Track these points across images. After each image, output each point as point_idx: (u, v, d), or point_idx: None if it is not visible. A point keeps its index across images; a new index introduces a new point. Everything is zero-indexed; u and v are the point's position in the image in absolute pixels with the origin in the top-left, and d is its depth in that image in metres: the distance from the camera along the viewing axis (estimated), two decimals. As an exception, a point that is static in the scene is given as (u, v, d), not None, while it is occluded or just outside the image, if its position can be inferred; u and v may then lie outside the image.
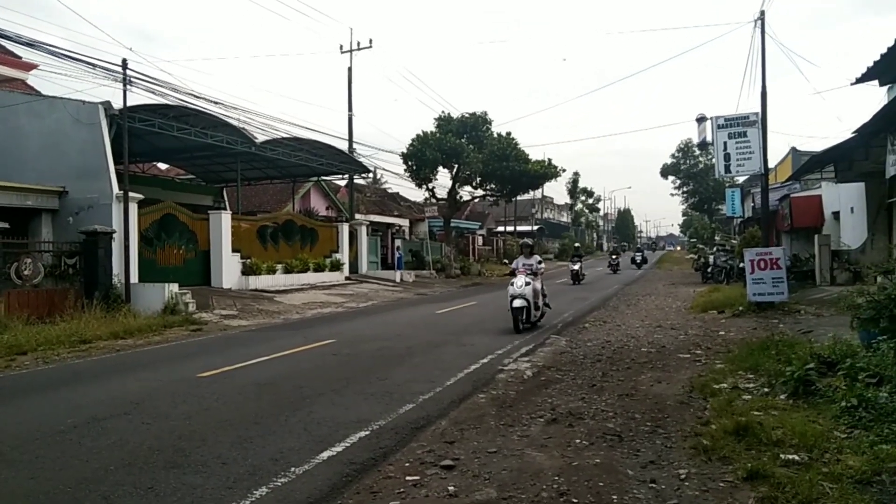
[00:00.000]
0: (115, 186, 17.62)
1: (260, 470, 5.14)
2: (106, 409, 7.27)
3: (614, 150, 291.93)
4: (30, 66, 26.81)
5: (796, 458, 4.90)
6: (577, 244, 46.96)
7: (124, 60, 17.40)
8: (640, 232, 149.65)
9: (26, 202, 17.51)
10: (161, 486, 4.81)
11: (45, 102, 19.19)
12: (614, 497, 4.50)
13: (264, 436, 6.12)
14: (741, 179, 33.77)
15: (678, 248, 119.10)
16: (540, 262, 14.46)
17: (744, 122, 16.23)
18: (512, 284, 13.49)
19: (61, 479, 5.00)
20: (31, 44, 16.58)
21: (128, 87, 17.49)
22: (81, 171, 17.95)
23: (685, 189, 65.24)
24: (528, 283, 13.35)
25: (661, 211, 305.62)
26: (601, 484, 4.75)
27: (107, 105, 17.98)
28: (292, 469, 5.16)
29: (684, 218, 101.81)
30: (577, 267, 30.29)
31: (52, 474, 5.15)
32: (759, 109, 16.47)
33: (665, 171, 64.92)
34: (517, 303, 13.17)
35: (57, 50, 16.88)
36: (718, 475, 4.81)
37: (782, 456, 4.94)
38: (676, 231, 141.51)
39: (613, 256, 41.04)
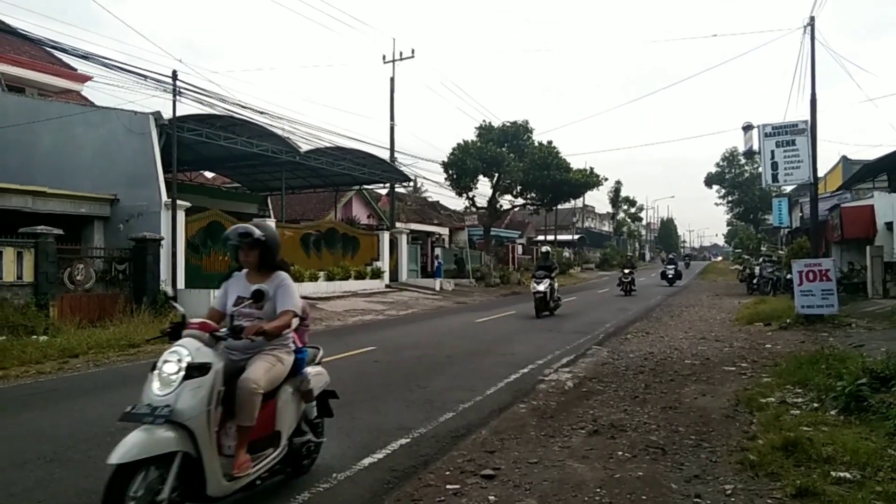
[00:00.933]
0: (164, 194, 18.07)
1: (303, 475, 5.20)
2: (154, 411, 7.43)
3: (658, 158, 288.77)
4: (85, 78, 27.75)
5: (848, 475, 4.76)
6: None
7: (174, 72, 17.91)
8: (683, 242, 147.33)
9: (80, 209, 18.07)
10: (207, 488, 4.89)
11: (99, 113, 19.82)
12: (658, 511, 4.44)
13: (307, 441, 6.19)
14: (789, 189, 33.03)
15: (719, 259, 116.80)
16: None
17: (792, 130, 15.89)
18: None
19: (112, 479, 5.12)
20: (85, 56, 17.20)
21: (177, 97, 17.99)
22: (132, 180, 18.47)
23: (730, 199, 64.01)
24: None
25: (704, 221, 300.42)
26: (644, 497, 4.69)
27: (157, 115, 18.49)
28: (334, 475, 5.22)
29: (729, 228, 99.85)
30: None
31: (103, 474, 5.25)
32: (808, 117, 16.11)
33: (709, 181, 63.82)
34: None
35: (110, 62, 17.50)
36: (766, 491, 4.71)
37: (833, 473, 4.81)
38: (721, 241, 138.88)
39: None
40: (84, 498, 4.76)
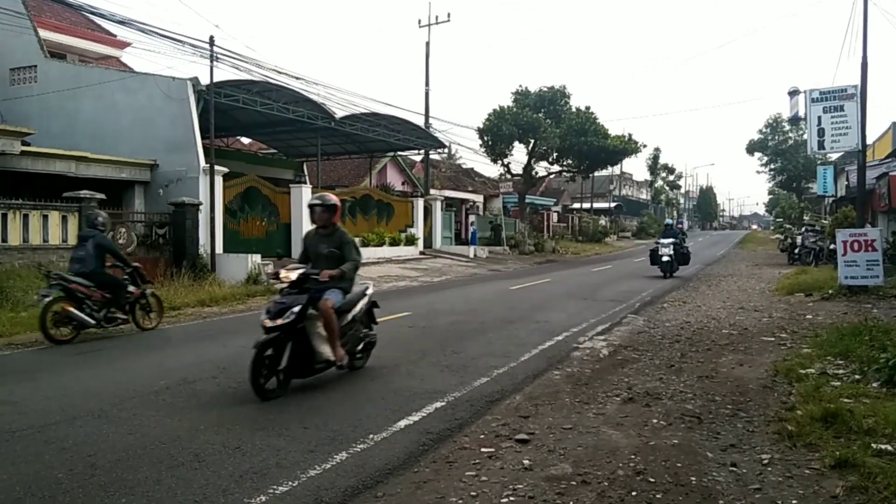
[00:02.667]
0: (202, 160, 18.29)
1: (339, 435, 5.31)
2: (195, 372, 7.65)
3: (698, 125, 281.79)
4: (124, 45, 28.02)
5: (889, 448, 4.68)
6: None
7: (211, 37, 17.99)
8: (723, 210, 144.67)
9: (121, 174, 18.40)
10: (247, 447, 5.03)
11: (138, 79, 20.04)
12: (693, 479, 4.43)
13: (343, 402, 6.31)
14: (835, 156, 32.01)
15: (755, 227, 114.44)
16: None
17: (841, 95, 15.34)
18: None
19: (156, 436, 5.30)
20: (123, 21, 17.35)
21: (214, 63, 18.09)
22: (171, 145, 18.71)
23: (772, 166, 62.33)
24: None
25: (745, 189, 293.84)
26: (679, 465, 4.68)
27: (194, 81, 18.63)
28: (370, 436, 5.31)
29: (770, 196, 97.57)
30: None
31: (148, 431, 5.47)
32: (857, 82, 15.53)
33: (751, 148, 62.13)
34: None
35: (147, 27, 17.64)
36: (804, 462, 4.66)
37: (874, 445, 4.73)
38: (761, 210, 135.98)
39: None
40: (130, 452, 4.92)
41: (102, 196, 15.81)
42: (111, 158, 18.18)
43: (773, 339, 9.62)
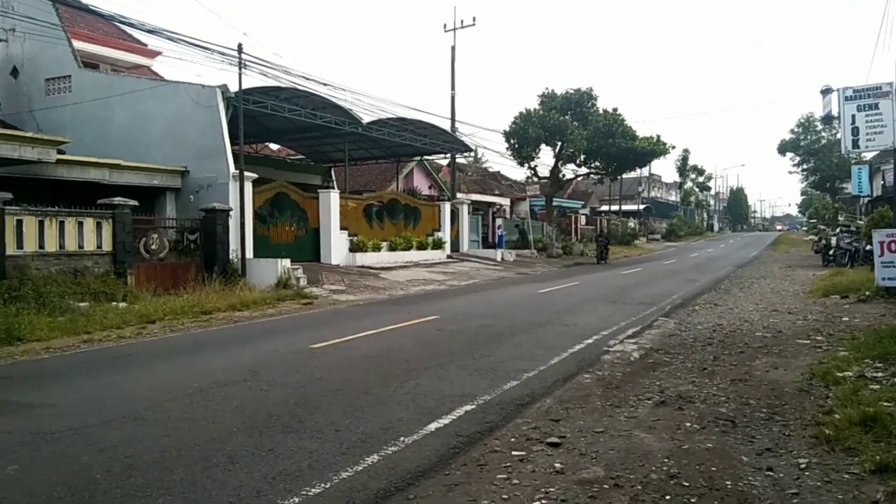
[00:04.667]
0: (232, 166, 18.52)
1: (371, 438, 5.33)
2: (227, 375, 7.74)
3: (727, 125, 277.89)
4: (154, 53, 28.49)
5: (932, 452, 4.56)
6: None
7: (240, 45, 18.22)
8: (754, 212, 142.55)
9: (153, 181, 18.72)
10: (280, 448, 5.08)
11: (169, 87, 20.37)
12: (728, 483, 4.37)
13: (374, 405, 6.33)
14: (869, 156, 31.37)
15: (778, 228, 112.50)
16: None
17: (875, 93, 15.01)
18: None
19: (191, 438, 5.38)
20: (153, 30, 17.65)
21: (242, 70, 18.32)
22: (201, 152, 18.98)
23: (805, 166, 61.29)
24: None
25: (777, 190, 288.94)
26: (714, 469, 4.62)
27: (223, 88, 18.89)
28: (401, 438, 5.32)
29: (803, 197, 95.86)
30: None
31: (183, 433, 5.55)
32: (893, 79, 15.19)
33: (783, 148, 61.15)
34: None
35: (176, 36, 17.92)
36: (842, 466, 4.56)
37: (916, 450, 4.61)
38: (794, 211, 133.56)
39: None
40: (166, 453, 4.99)
41: (135, 202, 16.09)
42: (143, 165, 18.51)
43: (808, 341, 9.44)
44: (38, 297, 12.45)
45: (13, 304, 11.75)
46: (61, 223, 14.56)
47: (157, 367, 8.66)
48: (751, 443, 5.17)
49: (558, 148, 34.88)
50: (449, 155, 33.10)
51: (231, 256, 17.85)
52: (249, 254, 18.38)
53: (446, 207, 30.65)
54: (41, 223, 14.17)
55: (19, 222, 13.69)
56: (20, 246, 13.67)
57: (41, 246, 14.13)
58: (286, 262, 18.12)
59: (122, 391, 7.18)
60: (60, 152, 16.50)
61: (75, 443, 5.30)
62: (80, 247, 14.90)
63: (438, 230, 29.83)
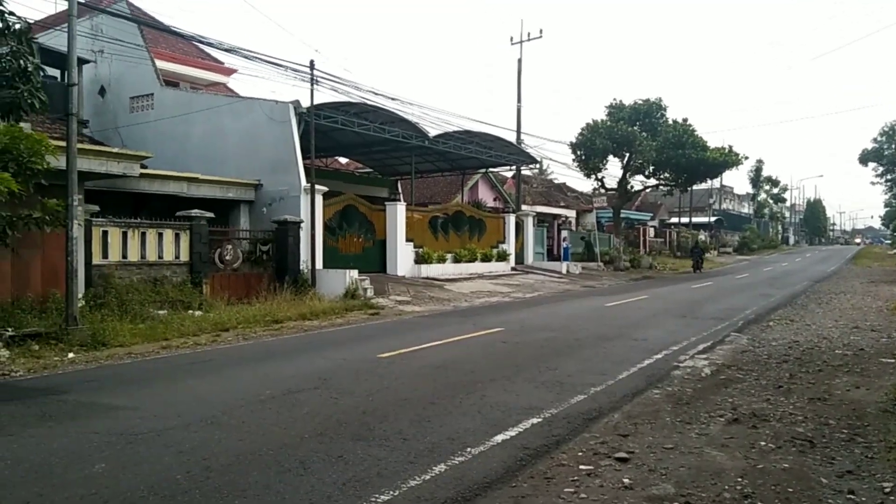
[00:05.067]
0: (303, 179, 19.02)
1: (438, 447, 5.38)
2: (298, 382, 7.95)
3: (804, 135, 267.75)
4: (230, 71, 29.58)
5: None
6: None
7: (311, 62, 18.74)
8: (833, 224, 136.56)
9: (228, 194, 19.41)
10: (349, 456, 5.19)
11: (244, 103, 21.12)
12: (806, 505, 4.22)
13: (441, 416, 6.38)
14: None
15: (860, 242, 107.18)
16: None
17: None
18: None
19: (264, 443, 5.55)
20: (230, 49, 18.35)
21: (314, 86, 18.82)
22: (274, 166, 19.57)
23: (889, 177, 58.37)
24: None
25: (858, 202, 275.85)
26: (790, 490, 4.47)
27: (296, 104, 19.45)
28: (468, 449, 5.35)
29: (887, 209, 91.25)
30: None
31: (257, 438, 5.73)
32: None
33: (865, 158, 58.37)
34: None
35: (252, 54, 18.56)
36: (931, 492, 4.34)
37: None
38: (877, 223, 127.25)
39: None
40: (241, 457, 5.17)
41: (211, 214, 16.71)
42: (219, 179, 19.21)
43: (893, 360, 9.01)
44: (121, 305, 13.08)
45: (98, 310, 12.39)
46: (143, 234, 15.25)
47: (231, 373, 8.97)
48: (830, 464, 4.98)
49: (626, 159, 34.37)
50: (514, 167, 33.05)
51: (301, 267, 18.31)
52: (319, 264, 18.81)
53: (511, 219, 30.59)
54: (124, 234, 14.87)
55: (105, 233, 14.41)
56: (105, 256, 14.38)
57: (124, 256, 14.82)
58: (354, 273, 18.46)
59: (199, 396, 7.47)
60: (143, 167, 17.29)
61: (157, 444, 5.55)
62: (160, 257, 15.56)
63: (503, 242, 29.79)
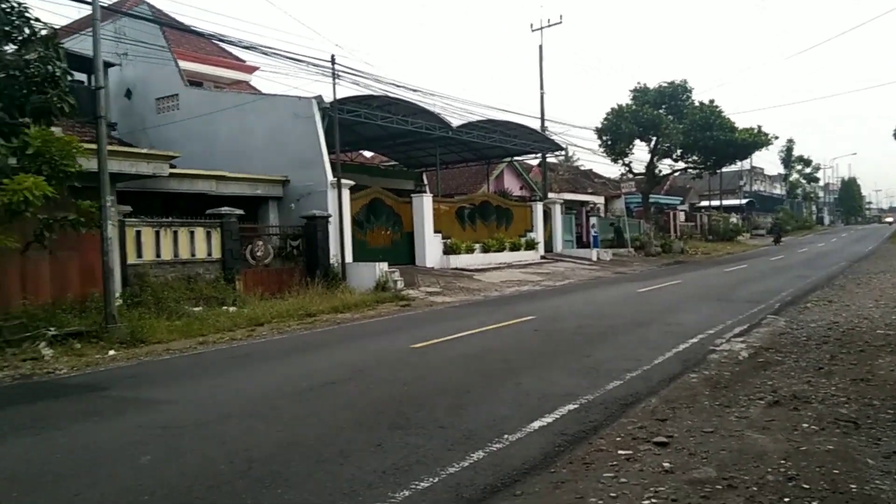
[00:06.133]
0: (330, 174, 19.13)
1: (475, 435, 5.40)
2: (334, 374, 8.02)
3: (836, 112, 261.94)
4: (252, 69, 29.82)
5: None
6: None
7: (332, 56, 18.78)
8: (869, 203, 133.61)
9: (256, 191, 19.59)
10: (388, 444, 5.23)
11: (268, 100, 21.28)
12: (853, 486, 4.15)
13: (476, 403, 6.40)
14: None
15: (891, 221, 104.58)
16: None
17: None
18: None
19: (304, 433, 5.62)
20: (250, 46, 18.46)
21: (336, 80, 18.88)
22: (300, 162, 19.70)
23: (926, 152, 56.92)
24: None
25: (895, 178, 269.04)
26: (836, 471, 4.40)
27: (319, 99, 19.54)
28: (505, 436, 5.36)
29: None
30: None
31: (296, 429, 5.80)
32: None
33: (900, 133, 57.06)
34: None
35: (272, 50, 18.68)
36: (983, 471, 4.24)
37: None
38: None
39: None
40: (282, 448, 5.24)
41: (241, 211, 16.89)
42: (247, 176, 19.40)
43: (936, 339, 8.81)
44: (157, 303, 13.29)
45: (135, 309, 12.61)
46: (175, 233, 15.48)
47: (268, 366, 9.08)
48: (876, 445, 4.89)
49: (653, 143, 34.01)
50: (539, 155, 32.87)
51: (331, 261, 18.43)
52: (348, 258, 18.93)
53: (538, 207, 30.44)
54: (157, 233, 15.10)
55: (138, 233, 14.65)
56: (140, 255, 14.63)
57: (158, 255, 15.06)
58: (384, 266, 18.54)
59: (238, 389, 7.58)
60: (171, 166, 17.53)
61: (199, 436, 5.65)
62: (193, 255, 15.78)
63: (531, 231, 29.67)
